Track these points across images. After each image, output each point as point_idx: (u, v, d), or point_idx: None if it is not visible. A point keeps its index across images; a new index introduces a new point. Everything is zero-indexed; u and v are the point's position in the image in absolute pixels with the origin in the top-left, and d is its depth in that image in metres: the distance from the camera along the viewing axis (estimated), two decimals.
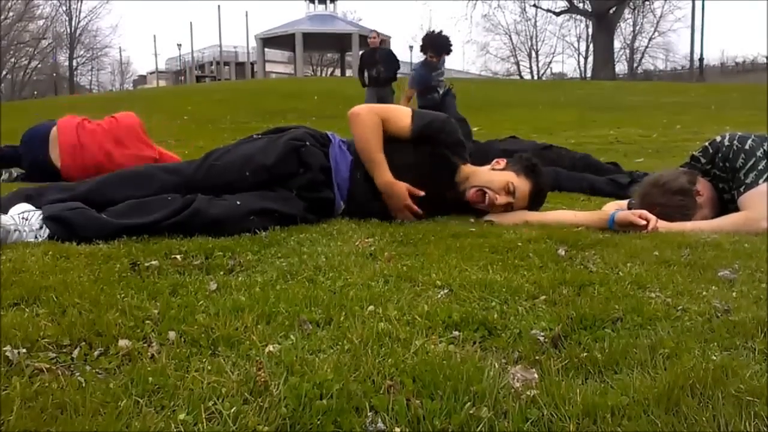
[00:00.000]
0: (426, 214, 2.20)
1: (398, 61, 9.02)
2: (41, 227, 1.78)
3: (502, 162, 2.26)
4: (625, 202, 2.56)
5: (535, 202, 2.25)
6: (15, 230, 1.75)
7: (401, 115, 2.26)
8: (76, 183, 2.21)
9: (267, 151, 2.14)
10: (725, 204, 2.21)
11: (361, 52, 10.07)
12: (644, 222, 2.02)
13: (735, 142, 2.17)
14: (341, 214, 2.22)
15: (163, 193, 1.99)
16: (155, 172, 2.15)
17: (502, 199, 2.18)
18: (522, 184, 2.19)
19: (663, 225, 2.04)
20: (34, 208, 1.85)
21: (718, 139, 2.23)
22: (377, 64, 8.74)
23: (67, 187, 2.11)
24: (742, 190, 2.11)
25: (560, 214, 2.23)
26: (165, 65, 48.90)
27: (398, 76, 9.01)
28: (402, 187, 2.15)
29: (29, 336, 1.03)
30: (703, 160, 2.27)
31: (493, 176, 2.22)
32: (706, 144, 2.27)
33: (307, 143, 2.18)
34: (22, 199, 1.96)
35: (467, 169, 2.30)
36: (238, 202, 1.94)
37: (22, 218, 1.78)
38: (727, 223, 2.09)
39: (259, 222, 1.93)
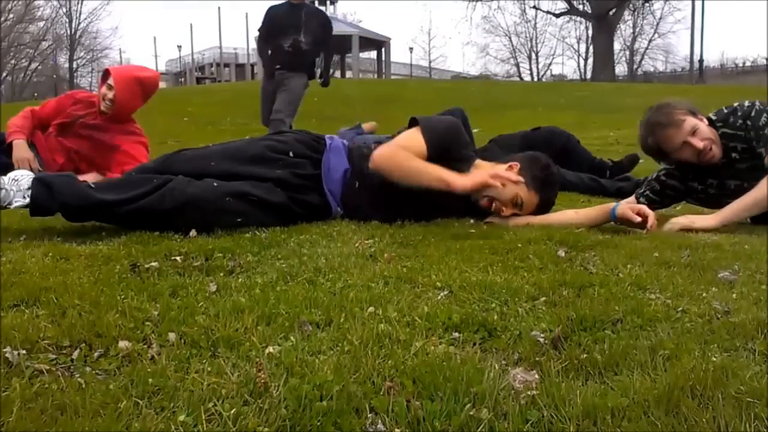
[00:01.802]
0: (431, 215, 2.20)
1: (332, 30, 5.43)
2: (29, 188, 1.84)
3: (515, 168, 2.18)
4: (633, 200, 2.54)
5: (541, 211, 2.24)
6: (2, 189, 1.82)
7: (412, 138, 2.14)
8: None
9: (242, 148, 2.14)
10: (732, 163, 2.24)
11: (269, 7, 5.39)
12: (639, 219, 2.03)
13: (757, 104, 2.21)
14: (341, 217, 2.22)
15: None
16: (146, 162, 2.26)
17: (508, 211, 2.19)
18: (530, 198, 2.18)
19: (682, 221, 2.06)
20: (31, 173, 1.91)
21: (736, 103, 2.27)
22: (298, 32, 5.09)
23: None
24: None
25: (563, 215, 2.24)
26: (165, 67, 48.90)
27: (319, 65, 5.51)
28: (480, 173, 2.08)
29: (29, 337, 1.03)
30: (714, 118, 2.29)
31: (504, 188, 2.15)
32: (723, 107, 2.30)
33: (290, 154, 2.15)
34: None
35: (478, 168, 2.22)
36: (215, 184, 1.95)
37: (13, 179, 1.85)
38: (761, 190, 2.10)
39: (235, 204, 1.93)
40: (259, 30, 5.45)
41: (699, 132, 2.22)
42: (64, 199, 1.80)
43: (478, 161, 2.26)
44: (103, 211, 1.83)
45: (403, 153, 2.08)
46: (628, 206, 2.11)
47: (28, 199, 1.82)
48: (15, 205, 1.82)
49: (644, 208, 2.08)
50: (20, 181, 1.84)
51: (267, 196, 2.02)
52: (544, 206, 2.24)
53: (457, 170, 2.12)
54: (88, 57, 43.89)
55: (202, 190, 1.91)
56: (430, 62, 47.30)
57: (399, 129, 2.37)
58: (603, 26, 30.42)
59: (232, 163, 2.08)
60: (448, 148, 2.15)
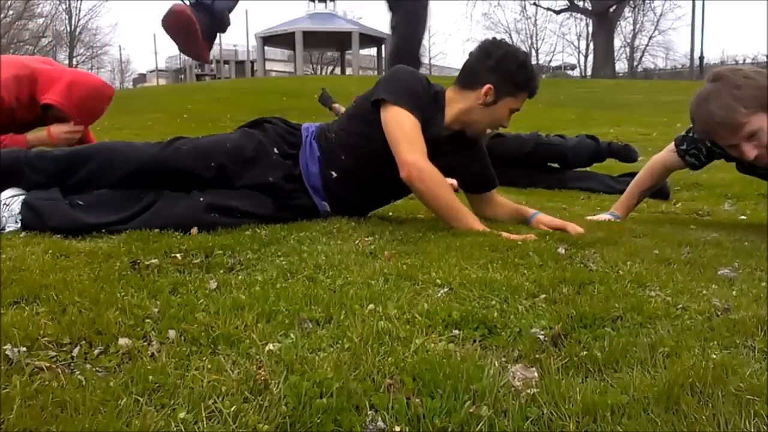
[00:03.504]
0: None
1: None
2: (20, 212, 1.88)
3: (491, 93, 2.11)
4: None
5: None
6: None
7: (411, 125, 2.05)
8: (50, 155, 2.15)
9: (238, 147, 2.10)
10: None
11: None
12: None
13: None
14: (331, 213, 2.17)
15: (123, 169, 2.01)
16: (120, 147, 2.13)
17: (507, 123, 2.21)
18: (519, 103, 2.17)
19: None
20: (21, 192, 1.93)
21: None
22: None
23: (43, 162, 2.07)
24: None
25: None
26: (165, 64, 48.76)
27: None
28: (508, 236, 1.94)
29: (29, 334, 1.03)
30: None
31: (496, 115, 2.15)
32: None
33: (276, 151, 2.13)
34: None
35: (453, 109, 2.17)
36: (201, 199, 1.96)
37: (5, 204, 1.89)
38: None
39: (220, 219, 1.93)
40: None
41: (758, 137, 1.92)
42: (52, 223, 1.84)
43: (448, 95, 2.20)
44: (91, 231, 1.85)
45: (445, 186, 2.02)
46: (542, 221, 2.15)
47: (20, 224, 1.87)
48: (8, 229, 1.87)
49: (562, 224, 2.09)
50: (11, 205, 1.90)
51: (253, 209, 2.01)
52: (533, 93, 2.19)
53: (432, 123, 2.12)
54: (88, 54, 43.84)
55: (188, 208, 1.92)
56: (429, 59, 47.21)
57: (356, 98, 2.28)
58: (603, 23, 30.35)
59: (228, 164, 2.06)
60: (424, 96, 2.13)
